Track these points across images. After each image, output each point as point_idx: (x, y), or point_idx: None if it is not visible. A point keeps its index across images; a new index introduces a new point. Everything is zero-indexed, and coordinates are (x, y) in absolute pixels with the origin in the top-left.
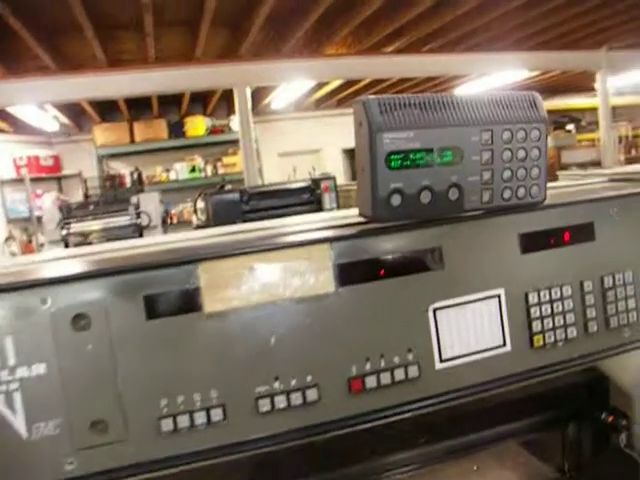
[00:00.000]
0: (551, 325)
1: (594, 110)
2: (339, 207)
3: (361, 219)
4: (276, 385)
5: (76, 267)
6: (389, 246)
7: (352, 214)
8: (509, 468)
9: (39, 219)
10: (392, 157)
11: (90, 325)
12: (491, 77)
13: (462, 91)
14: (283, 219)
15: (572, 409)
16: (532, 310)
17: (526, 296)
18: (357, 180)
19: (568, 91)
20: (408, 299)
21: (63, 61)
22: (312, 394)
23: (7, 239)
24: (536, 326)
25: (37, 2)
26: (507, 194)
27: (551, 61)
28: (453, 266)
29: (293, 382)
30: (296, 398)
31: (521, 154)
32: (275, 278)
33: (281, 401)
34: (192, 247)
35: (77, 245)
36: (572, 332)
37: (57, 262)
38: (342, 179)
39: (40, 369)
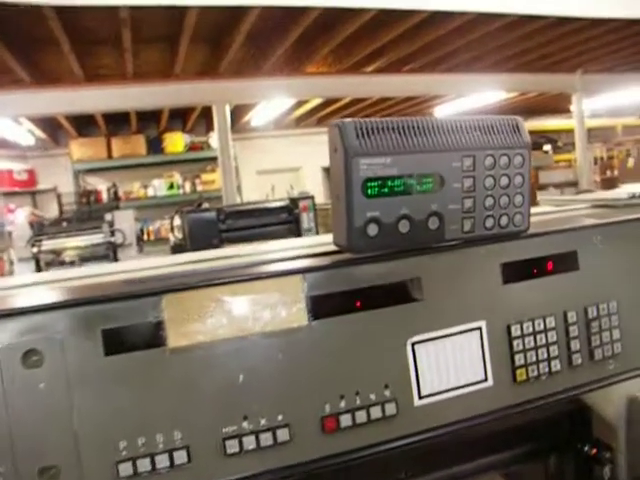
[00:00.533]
0: (534, 358)
1: (570, 131)
2: (317, 226)
3: (336, 248)
4: (245, 425)
5: (29, 298)
6: (365, 277)
7: (328, 240)
8: None
9: (10, 235)
10: (369, 184)
11: (42, 362)
12: (470, 98)
13: (441, 111)
14: (256, 245)
15: (554, 440)
16: (515, 343)
17: (508, 328)
18: (331, 208)
19: (545, 112)
20: (385, 332)
21: (39, 75)
22: (283, 434)
23: None
24: (519, 359)
25: (12, 15)
26: (489, 223)
27: (528, 83)
28: (432, 297)
29: (263, 422)
30: (266, 439)
31: (504, 181)
32: (244, 311)
33: (250, 442)
34: (156, 277)
35: (48, 264)
36: (556, 365)
37: (8, 292)
38: (322, 197)
39: None
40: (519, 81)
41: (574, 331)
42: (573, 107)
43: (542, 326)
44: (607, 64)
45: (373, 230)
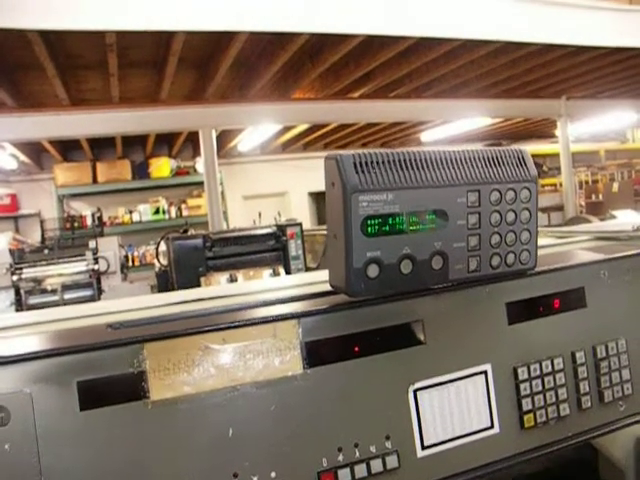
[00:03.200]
0: (542, 403)
1: (555, 156)
2: (305, 253)
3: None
4: None
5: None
6: (364, 320)
7: (323, 278)
8: None
9: None
10: (369, 222)
11: (9, 419)
12: (456, 123)
13: (427, 136)
14: (246, 283)
15: None
16: (522, 386)
17: (515, 371)
18: (327, 247)
19: (530, 137)
20: (386, 379)
21: (23, 99)
22: None
23: None
24: (526, 404)
25: None
26: (496, 261)
27: (513, 109)
28: (435, 341)
29: (255, 479)
30: None
31: (510, 217)
32: (235, 360)
33: None
34: (138, 321)
35: (28, 292)
36: (565, 409)
37: None
38: (308, 223)
39: None
40: (504, 107)
41: (583, 372)
42: (558, 132)
43: (550, 368)
44: (590, 90)
45: (374, 271)
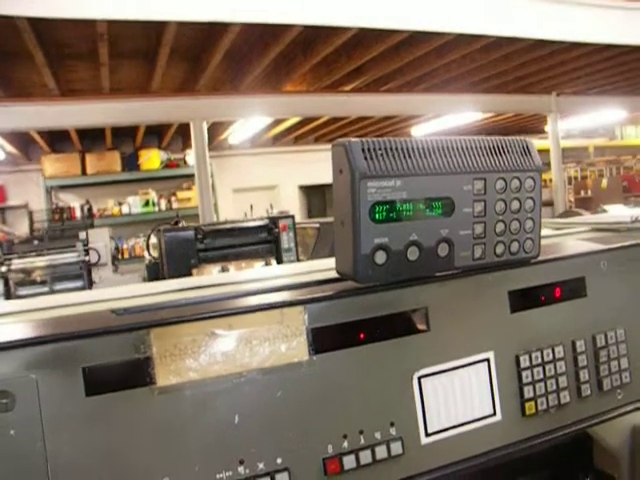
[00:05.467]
0: (543, 390)
1: (544, 151)
2: (297, 246)
3: (337, 275)
4: (241, 470)
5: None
6: (369, 307)
7: (326, 266)
8: None
9: None
10: (377, 208)
11: (14, 405)
12: (447, 117)
13: (418, 130)
14: (250, 271)
15: (556, 472)
16: (523, 374)
17: (517, 359)
18: (335, 233)
19: (520, 133)
20: (390, 366)
21: (11, 88)
22: (282, 479)
23: None
24: (528, 392)
25: None
26: (500, 249)
27: (504, 104)
28: (439, 328)
29: (261, 466)
30: None
31: (515, 205)
32: (241, 346)
33: None
34: (144, 307)
35: (18, 283)
36: (565, 397)
37: None
38: (298, 216)
39: None
40: (495, 102)
41: (583, 361)
42: (548, 128)
43: (551, 356)
44: (581, 86)
45: (381, 258)
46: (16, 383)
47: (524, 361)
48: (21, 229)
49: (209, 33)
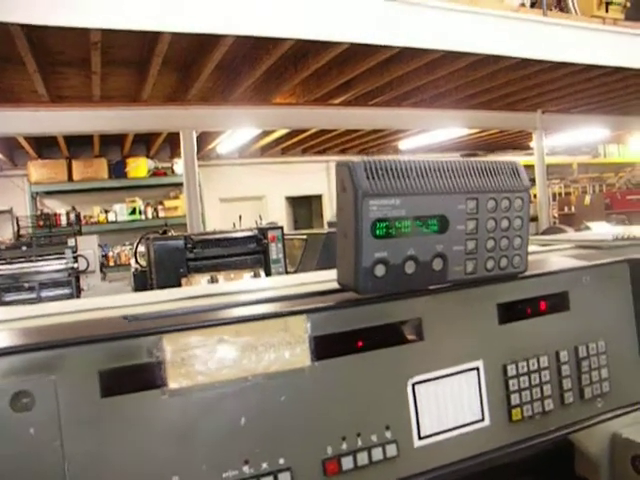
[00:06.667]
0: (529, 398)
1: (529, 167)
2: (285, 257)
3: (336, 286)
4: (246, 469)
5: (19, 336)
6: (367, 317)
7: (323, 279)
8: None
9: None
10: (378, 225)
11: (33, 405)
12: (433, 132)
13: (405, 144)
14: (254, 281)
15: (537, 477)
16: (510, 382)
17: (504, 368)
18: (338, 248)
19: (505, 149)
20: (387, 373)
21: (0, 93)
22: (285, 478)
23: None
24: (514, 399)
25: None
26: (490, 264)
27: (490, 120)
28: (433, 338)
29: (264, 465)
30: None
31: (504, 223)
32: (247, 351)
33: None
34: (156, 314)
35: (5, 289)
36: (549, 404)
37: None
38: (285, 227)
39: None
40: (482, 118)
41: (566, 370)
42: (533, 144)
43: (536, 365)
44: (565, 105)
45: (380, 271)
46: (36, 384)
47: (511, 370)
48: (4, 235)
49: (202, 44)
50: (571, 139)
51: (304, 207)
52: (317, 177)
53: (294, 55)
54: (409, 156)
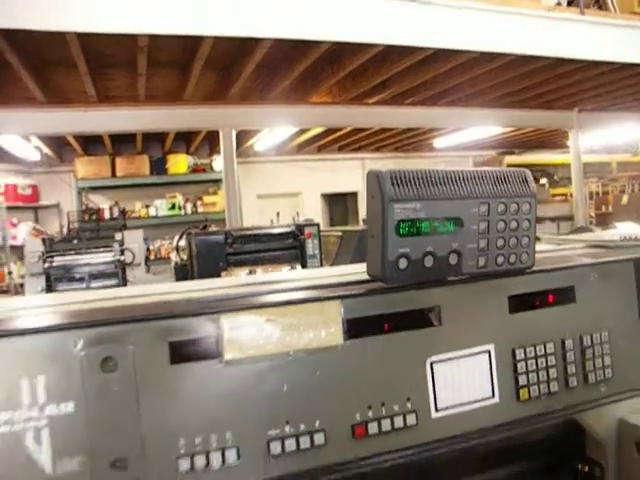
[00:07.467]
0: (535, 380)
1: (566, 165)
2: (321, 252)
3: (366, 277)
4: (287, 429)
5: (107, 312)
6: (393, 304)
7: (354, 271)
8: None
9: (13, 248)
10: (401, 225)
11: (117, 367)
12: (469, 131)
13: (440, 143)
14: (294, 272)
15: (552, 459)
16: (518, 365)
17: (513, 352)
18: (368, 244)
19: (542, 147)
20: (408, 352)
21: (52, 94)
22: (319, 438)
23: None
24: (522, 380)
25: (34, 38)
26: (500, 260)
27: (525, 119)
28: (449, 323)
29: (302, 426)
30: (304, 442)
31: (513, 225)
32: (290, 330)
33: (291, 444)
34: (215, 298)
35: (58, 279)
36: (554, 386)
37: (85, 305)
38: (321, 223)
39: (69, 407)
40: (517, 117)
41: (571, 357)
42: (570, 143)
43: (543, 351)
44: (602, 103)
45: (403, 264)
46: (118, 351)
47: (519, 354)
48: (52, 228)
49: (242, 47)
50: (610, 137)
51: (340, 204)
52: (352, 175)
53: (330, 56)
54: (443, 153)
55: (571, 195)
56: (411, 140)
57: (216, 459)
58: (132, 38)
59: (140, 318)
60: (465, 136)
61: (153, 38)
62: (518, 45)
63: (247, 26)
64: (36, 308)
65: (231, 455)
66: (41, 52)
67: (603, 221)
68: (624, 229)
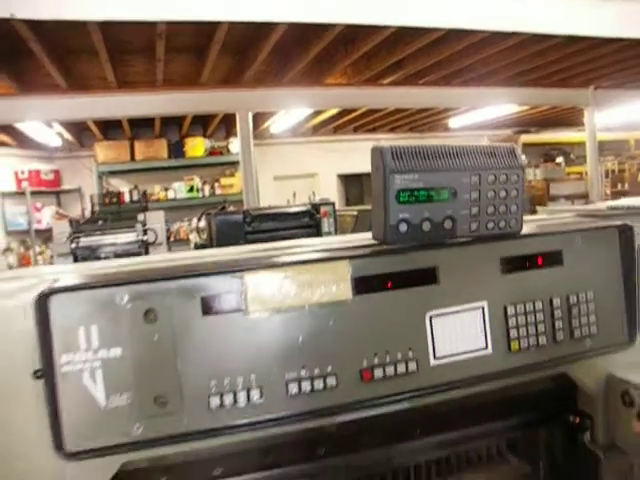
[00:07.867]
0: (525, 333)
1: (583, 144)
2: (337, 231)
3: (372, 241)
4: (303, 372)
5: (148, 272)
6: (395, 264)
7: (362, 238)
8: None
9: (37, 232)
10: (401, 194)
11: (157, 318)
12: (484, 110)
13: (455, 122)
14: (309, 240)
15: (546, 412)
16: (510, 320)
17: (505, 308)
18: (372, 210)
19: (558, 125)
20: (410, 307)
21: (73, 80)
22: (331, 380)
23: (5, 250)
24: (513, 333)
25: (58, 27)
26: (490, 225)
27: (540, 97)
28: (446, 282)
29: (316, 370)
30: (318, 383)
31: (502, 194)
32: (305, 286)
33: (306, 386)
34: (237, 260)
35: (84, 259)
36: (543, 340)
37: (124, 268)
38: (336, 204)
39: (117, 352)
40: (532, 95)
41: (558, 313)
42: (585, 120)
43: (532, 308)
44: (618, 80)
45: (403, 228)
46: (159, 304)
47: (510, 310)
48: (74, 212)
49: (257, 31)
50: (628, 115)
51: (355, 185)
52: (368, 155)
53: (344, 38)
54: (458, 133)
55: (586, 173)
56: (426, 120)
57: (242, 397)
58: (151, 25)
59: (176, 276)
60: (480, 115)
61: (171, 25)
62: (531, 23)
63: (262, 11)
64: (83, 272)
65: (255, 394)
66: (64, 41)
67: (618, 199)
68: (625, 201)
